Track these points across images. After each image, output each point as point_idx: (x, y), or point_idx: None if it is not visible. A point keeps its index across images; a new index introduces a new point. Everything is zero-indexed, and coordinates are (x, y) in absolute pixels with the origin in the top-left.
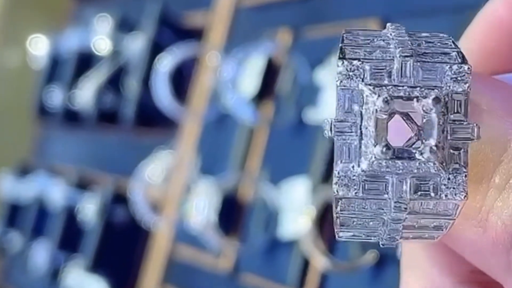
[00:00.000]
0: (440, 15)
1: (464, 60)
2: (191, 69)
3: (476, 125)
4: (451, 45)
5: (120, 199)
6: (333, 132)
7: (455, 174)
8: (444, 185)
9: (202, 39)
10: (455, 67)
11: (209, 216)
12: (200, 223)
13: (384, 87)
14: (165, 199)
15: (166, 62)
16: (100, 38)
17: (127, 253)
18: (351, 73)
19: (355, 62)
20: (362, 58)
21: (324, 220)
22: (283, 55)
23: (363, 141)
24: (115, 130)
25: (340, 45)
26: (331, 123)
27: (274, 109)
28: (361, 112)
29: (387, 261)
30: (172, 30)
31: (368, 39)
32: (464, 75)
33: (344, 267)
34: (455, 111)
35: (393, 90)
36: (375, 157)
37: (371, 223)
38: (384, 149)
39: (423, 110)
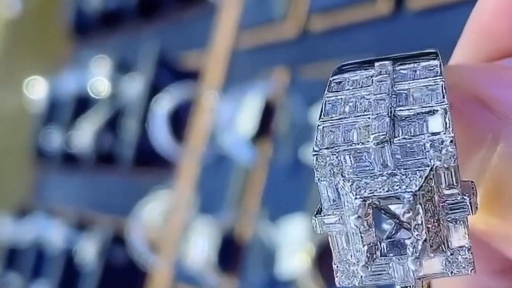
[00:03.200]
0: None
1: (447, 128)
2: (188, 110)
3: (470, 198)
4: (439, 92)
5: (119, 239)
6: (322, 228)
7: (459, 251)
8: (448, 262)
9: (199, 80)
10: (436, 144)
11: (208, 255)
12: (199, 262)
13: (362, 187)
14: (163, 239)
15: (163, 103)
16: (98, 79)
17: None
18: (329, 167)
19: (331, 157)
20: (338, 151)
21: (323, 258)
22: (279, 95)
23: (352, 236)
24: (114, 171)
25: (319, 135)
26: (319, 220)
27: (272, 148)
28: (345, 203)
29: None
30: (169, 72)
31: (349, 121)
32: (447, 150)
33: None
34: (446, 184)
35: (372, 187)
36: (367, 259)
37: None
38: (372, 252)
39: (408, 203)
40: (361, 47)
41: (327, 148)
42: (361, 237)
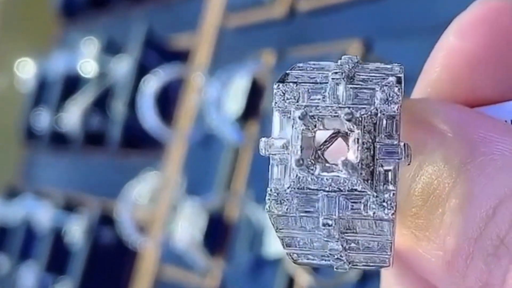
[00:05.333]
0: (423, 35)
1: (398, 83)
2: (176, 91)
3: (405, 144)
4: (397, 72)
5: (107, 220)
6: (266, 151)
7: (383, 192)
8: (372, 202)
9: (187, 61)
10: (385, 88)
11: (195, 236)
12: (186, 243)
13: (310, 107)
14: (151, 220)
15: (151, 84)
16: (86, 61)
17: (114, 274)
18: (286, 95)
19: (290, 84)
20: (298, 82)
21: None
22: (267, 76)
23: (291, 159)
24: (102, 152)
25: (287, 71)
26: (265, 142)
27: (259, 129)
28: (292, 131)
29: (371, 278)
30: (157, 52)
31: (315, 67)
32: (393, 97)
33: (329, 284)
34: (385, 131)
35: (320, 109)
36: (299, 173)
37: (315, 243)
38: (308, 165)
39: (348, 129)
40: (348, 28)
41: (288, 80)
42: (300, 141)
